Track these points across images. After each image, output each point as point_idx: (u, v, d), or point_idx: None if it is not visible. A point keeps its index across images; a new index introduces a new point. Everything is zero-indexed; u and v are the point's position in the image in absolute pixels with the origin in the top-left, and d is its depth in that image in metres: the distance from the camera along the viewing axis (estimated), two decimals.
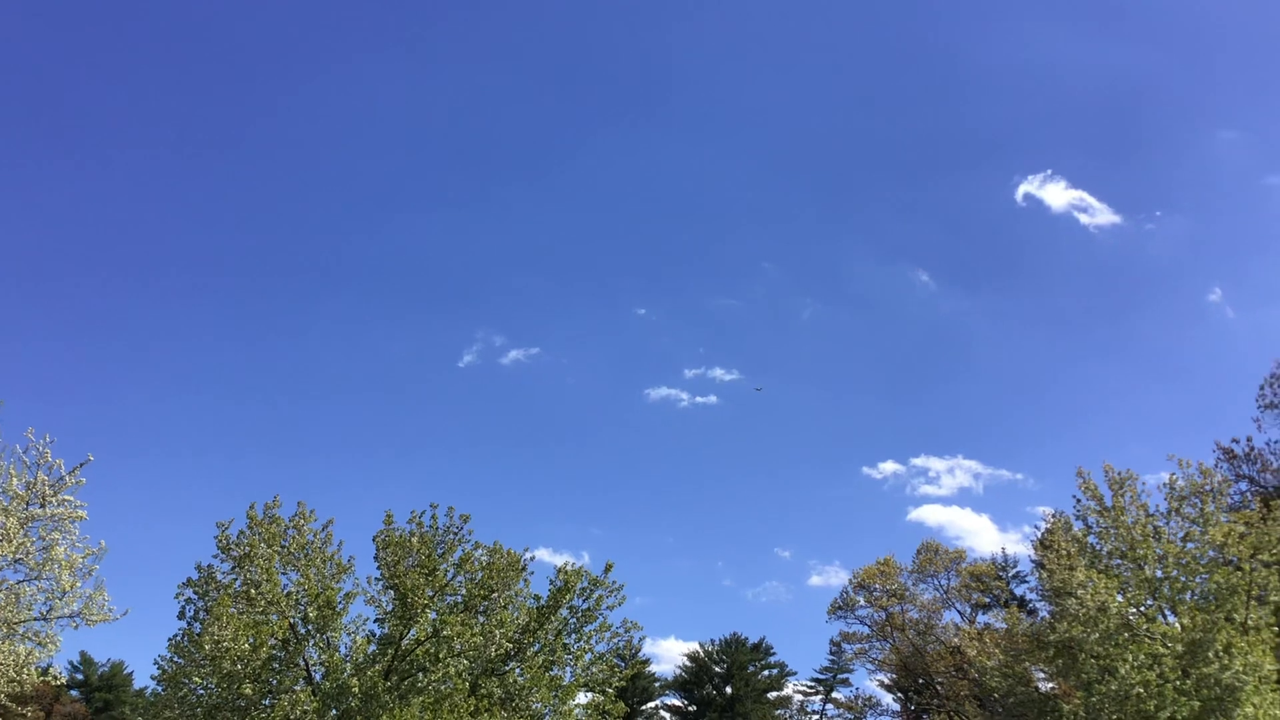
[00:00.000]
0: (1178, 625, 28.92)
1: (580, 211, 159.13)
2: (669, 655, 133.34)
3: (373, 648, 27.69)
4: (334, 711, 25.55)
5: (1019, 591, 68.59)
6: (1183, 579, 29.42)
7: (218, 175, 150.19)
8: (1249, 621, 28.44)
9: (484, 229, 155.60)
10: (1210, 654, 26.98)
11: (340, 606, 27.42)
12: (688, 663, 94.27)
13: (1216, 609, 28.34)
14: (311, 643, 27.08)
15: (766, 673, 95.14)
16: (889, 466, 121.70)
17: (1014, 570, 70.56)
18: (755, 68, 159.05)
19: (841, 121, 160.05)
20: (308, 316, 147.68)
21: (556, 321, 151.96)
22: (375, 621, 28.49)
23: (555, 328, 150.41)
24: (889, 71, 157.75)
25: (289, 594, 27.17)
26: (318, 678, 26.69)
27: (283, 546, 28.13)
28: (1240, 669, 26.35)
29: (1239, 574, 28.54)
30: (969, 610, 65.92)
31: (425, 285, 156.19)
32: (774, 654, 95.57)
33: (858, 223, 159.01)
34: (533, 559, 30.40)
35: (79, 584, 26.14)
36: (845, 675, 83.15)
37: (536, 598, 29.40)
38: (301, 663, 26.86)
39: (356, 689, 25.30)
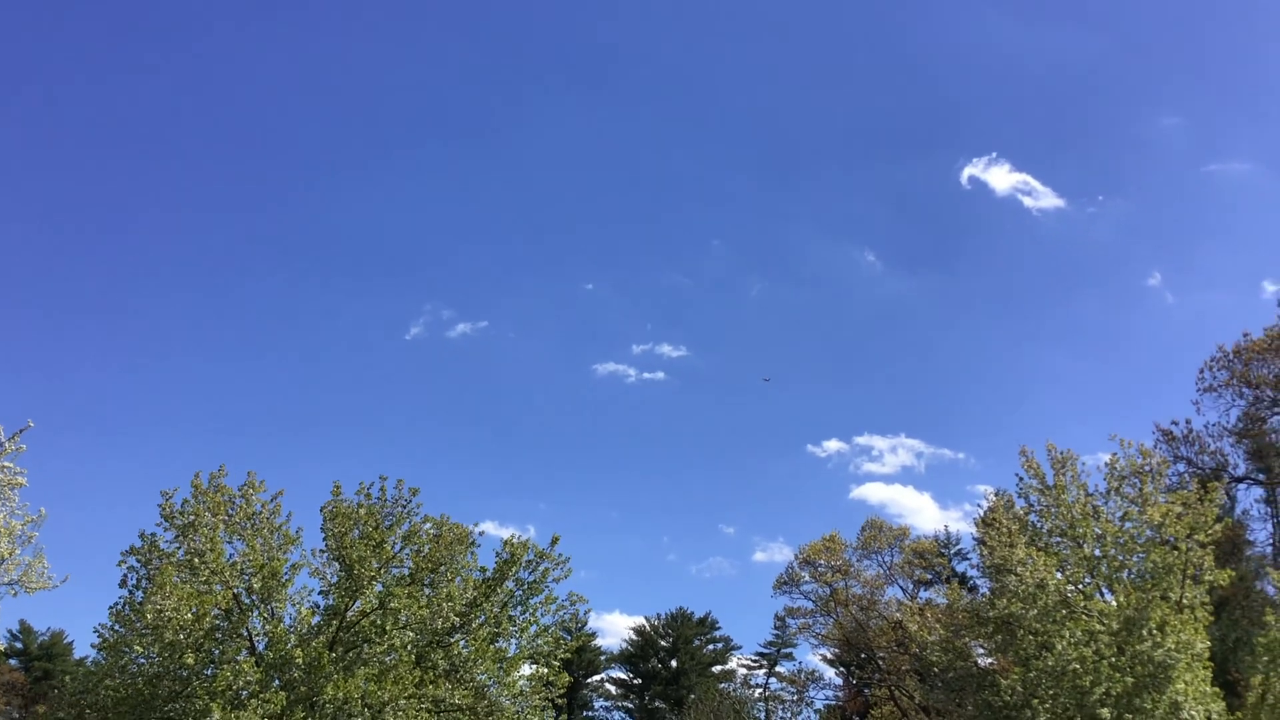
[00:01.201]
0: (1114, 603, 29.44)
1: (530, 185, 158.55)
2: (614, 629, 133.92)
3: (318, 619, 27.59)
4: (277, 682, 25.47)
5: (961, 568, 69.67)
6: (1120, 557, 29.93)
7: (158, 141, 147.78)
8: (1183, 600, 29.01)
9: (434, 202, 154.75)
10: (1145, 632, 27.48)
11: (286, 577, 27.29)
12: (634, 636, 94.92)
13: (1152, 587, 28.88)
14: (256, 613, 26.96)
15: (711, 647, 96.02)
16: (833, 445, 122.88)
17: (956, 547, 71.67)
18: (707, 46, 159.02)
19: (791, 102, 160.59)
20: (253, 286, 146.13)
21: (505, 295, 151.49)
22: (321, 593, 28.42)
23: (503, 301, 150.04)
24: (838, 53, 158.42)
25: (233, 564, 26.98)
26: (261, 648, 26.56)
27: (229, 516, 27.90)
28: (1173, 647, 26.88)
29: (1175, 553, 29.06)
30: (911, 586, 66.78)
31: (373, 257, 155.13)
32: (719, 628, 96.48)
33: (806, 202, 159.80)
34: (481, 533, 30.46)
35: (18, 551, 25.85)
36: (789, 650, 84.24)
37: (483, 570, 29.42)
38: (245, 633, 26.73)
39: (300, 660, 25.22)
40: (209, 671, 25.72)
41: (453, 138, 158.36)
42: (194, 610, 25.45)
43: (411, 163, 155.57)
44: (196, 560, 26.50)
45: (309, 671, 25.15)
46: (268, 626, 26.62)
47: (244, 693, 24.93)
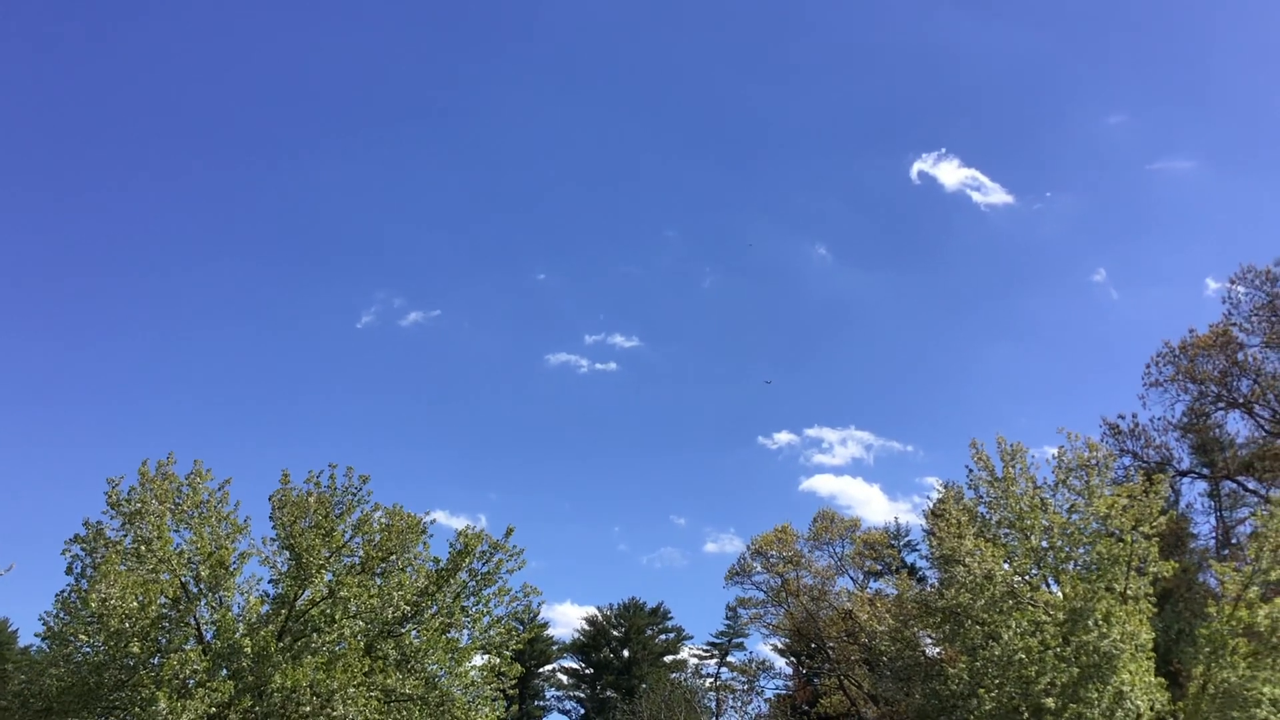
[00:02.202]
0: (1060, 594, 29.83)
1: (484, 174, 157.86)
2: (564, 619, 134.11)
3: (266, 608, 27.40)
4: (224, 671, 25.25)
5: (910, 559, 70.25)
6: (1067, 549, 30.31)
7: (102, 122, 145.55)
8: (1128, 591, 29.42)
9: (386, 189, 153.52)
10: (1090, 622, 27.87)
11: (234, 566, 27.04)
12: (586, 626, 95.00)
13: (1097, 579, 29.27)
14: (203, 602, 26.70)
15: (663, 637, 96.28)
16: (784, 436, 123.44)
17: (906, 539, 72.27)
18: (665, 37, 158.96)
19: (745, 95, 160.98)
20: (200, 271, 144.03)
21: (457, 284, 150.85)
22: (270, 582, 28.20)
23: (456, 290, 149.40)
24: (792, 48, 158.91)
25: (180, 552, 26.71)
26: (209, 637, 26.32)
27: (176, 504, 27.61)
28: (1118, 637, 27.28)
29: (1120, 545, 29.46)
30: (862, 577, 67.28)
31: (323, 244, 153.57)
32: (671, 618, 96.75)
33: (759, 195, 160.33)
34: (433, 521, 30.33)
35: None
36: (740, 640, 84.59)
37: (435, 560, 29.30)
38: (192, 622, 26.48)
39: (249, 649, 25.02)
40: (155, 660, 25.46)
41: (405, 124, 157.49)
42: (140, 599, 25.19)
43: (363, 148, 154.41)
44: (143, 548, 26.21)
45: (257, 660, 24.97)
46: (215, 615, 26.37)
47: (191, 682, 24.69)
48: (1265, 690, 27.20)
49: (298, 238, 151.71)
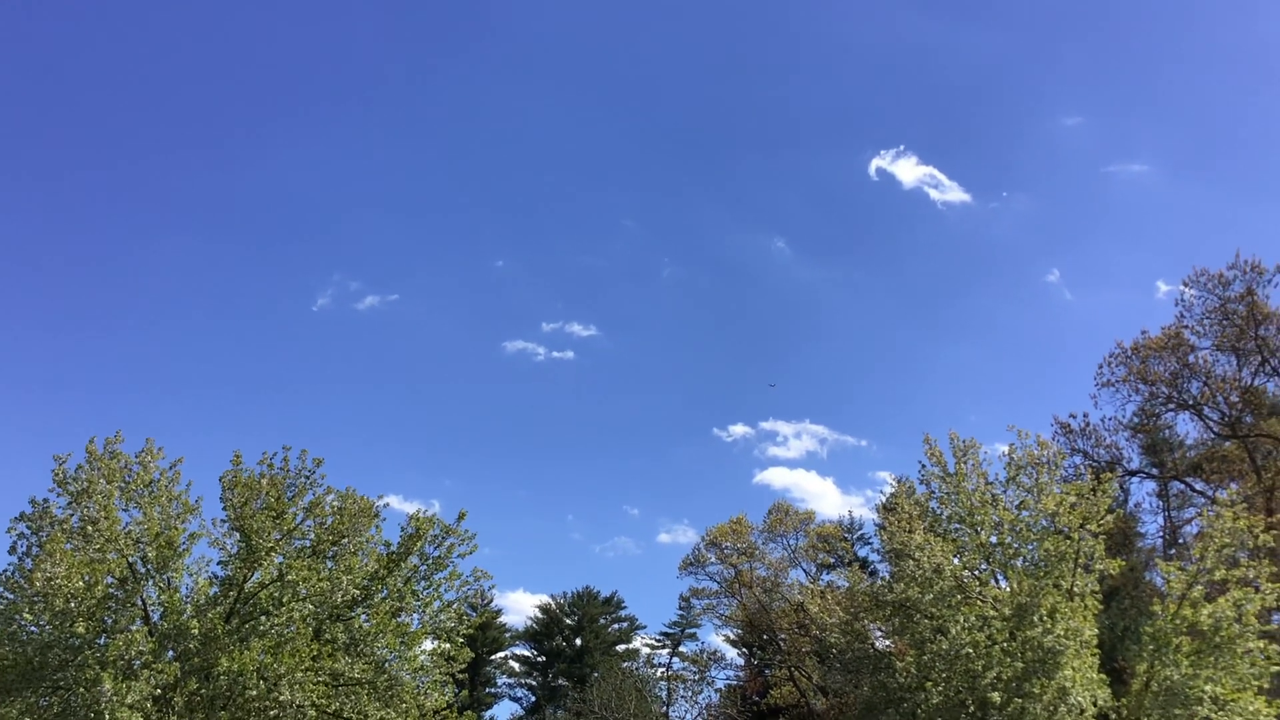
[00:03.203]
0: (1008, 589, 30.13)
1: (443, 159, 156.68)
2: (517, 607, 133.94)
3: (215, 590, 27.18)
4: (171, 653, 25.06)
5: (863, 553, 70.77)
6: (1015, 545, 30.60)
7: (51, 92, 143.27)
8: (1074, 588, 29.76)
9: (344, 171, 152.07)
10: (1036, 618, 28.17)
11: (183, 547, 26.79)
12: (539, 614, 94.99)
13: (1045, 575, 29.57)
14: (151, 583, 26.44)
15: (616, 626, 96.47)
16: (739, 429, 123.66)
17: (859, 532, 72.75)
18: (625, 30, 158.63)
19: (705, 88, 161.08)
20: (152, 248, 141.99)
21: (415, 269, 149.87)
22: (219, 564, 27.95)
23: (413, 275, 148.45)
24: (752, 43, 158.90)
25: (128, 532, 26.45)
26: (156, 618, 26.10)
27: (125, 483, 27.32)
28: (1062, 633, 27.58)
29: (1068, 542, 29.76)
30: (815, 570, 67.81)
31: (278, 225, 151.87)
32: (624, 608, 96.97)
33: (719, 188, 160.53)
34: (386, 506, 30.20)
35: None
36: (693, 630, 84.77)
37: (387, 544, 29.18)
38: (139, 602, 26.22)
39: (196, 630, 24.84)
40: (101, 641, 25.21)
41: (365, 107, 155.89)
42: (86, 578, 24.94)
43: (321, 129, 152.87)
44: (90, 528, 25.91)
45: (204, 642, 24.79)
46: (163, 596, 26.12)
47: (136, 663, 24.47)
48: (1207, 688, 27.62)
49: (252, 218, 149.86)
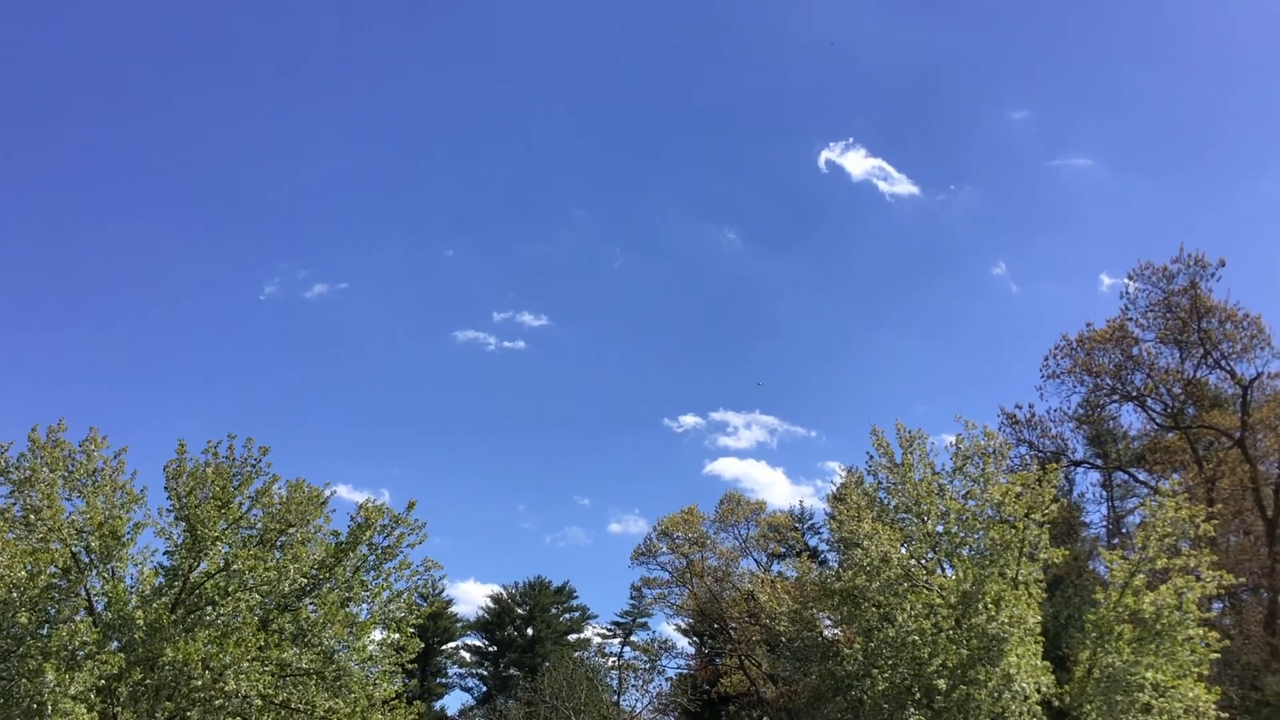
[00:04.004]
0: (954, 577, 30.46)
1: (391, 146, 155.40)
2: (467, 597, 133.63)
3: (160, 580, 26.91)
4: (115, 643, 24.80)
5: (813, 543, 71.23)
6: (962, 534, 30.95)
7: None
8: (1019, 577, 30.14)
9: (292, 158, 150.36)
10: (980, 606, 28.53)
11: (127, 536, 26.50)
12: (490, 604, 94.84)
13: (990, 564, 29.92)
14: (95, 572, 26.14)
15: (568, 616, 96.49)
16: (689, 419, 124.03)
17: (809, 522, 73.23)
18: (577, 19, 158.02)
19: (656, 79, 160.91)
20: (94, 234, 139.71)
21: (364, 258, 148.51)
22: (164, 553, 27.67)
23: (363, 264, 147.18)
24: (702, 32, 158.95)
25: (71, 521, 26.12)
26: (100, 608, 25.81)
27: (69, 472, 26.98)
28: (1007, 621, 27.95)
29: (1013, 532, 30.13)
30: (765, 559, 68.20)
31: (223, 211, 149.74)
32: (576, 597, 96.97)
33: (669, 178, 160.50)
34: (334, 494, 30.01)
35: None
36: (644, 619, 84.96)
37: (335, 534, 29.00)
38: (83, 592, 25.90)
39: (141, 621, 24.59)
40: (44, 631, 24.87)
41: (315, 93, 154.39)
42: (29, 568, 24.61)
43: (269, 114, 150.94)
44: (33, 517, 25.57)
45: (149, 633, 24.54)
46: (107, 586, 25.85)
47: (80, 653, 24.18)
48: (1148, 675, 28.11)
49: (198, 205, 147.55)
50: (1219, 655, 30.34)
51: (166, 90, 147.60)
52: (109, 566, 26.23)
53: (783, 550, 67.71)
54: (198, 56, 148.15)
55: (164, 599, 25.89)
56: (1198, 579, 29.73)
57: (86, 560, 26.12)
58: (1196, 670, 29.06)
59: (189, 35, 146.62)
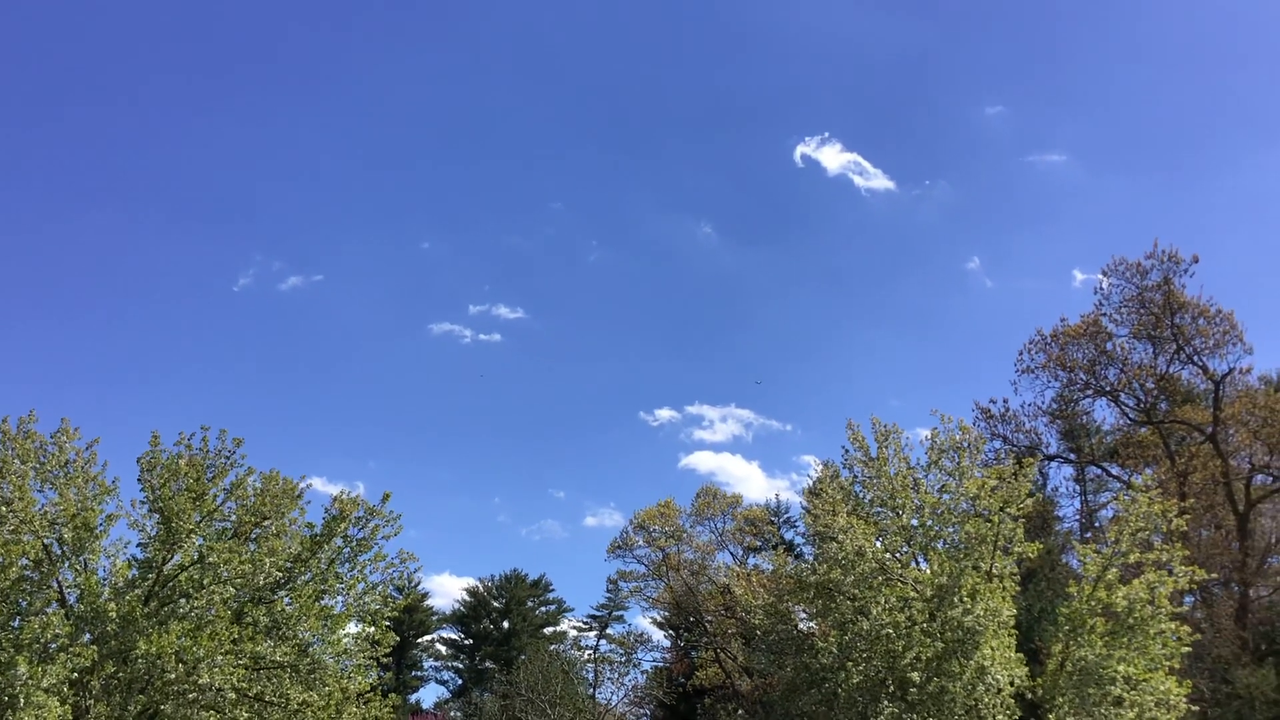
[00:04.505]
0: (928, 571, 30.59)
1: (368, 138, 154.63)
2: (443, 590, 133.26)
3: (134, 572, 26.76)
4: (88, 636, 24.65)
5: (789, 536, 71.36)
6: (936, 528, 31.07)
7: None
8: (993, 570, 30.27)
9: (267, 149, 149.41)
10: (955, 599, 28.65)
11: (100, 528, 26.34)
12: (466, 597, 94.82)
13: (965, 557, 30.04)
14: (67, 564, 25.97)
15: (544, 608, 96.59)
16: (665, 413, 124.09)
17: (785, 515, 73.38)
18: (554, 11, 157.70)
19: (633, 73, 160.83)
20: (65, 225, 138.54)
21: (340, 250, 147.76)
22: (138, 546, 27.52)
23: (339, 256, 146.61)
24: (679, 26, 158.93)
25: (43, 513, 25.92)
26: (72, 601, 25.65)
27: (40, 463, 26.78)
28: (981, 614, 28.06)
29: (988, 525, 30.24)
30: (741, 552, 68.34)
31: (197, 202, 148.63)
32: (552, 590, 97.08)
33: (646, 172, 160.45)
34: (309, 487, 29.93)
35: None
36: (620, 612, 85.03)
37: (310, 526, 28.92)
38: (55, 585, 25.74)
39: (113, 613, 24.48)
40: (15, 623, 24.73)
41: (290, 84, 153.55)
42: (0, 560, 24.46)
43: (243, 104, 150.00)
44: (4, 508, 25.35)
45: (122, 626, 24.43)
46: (79, 578, 25.70)
47: (52, 646, 24.06)
48: (1120, 668, 28.29)
49: (172, 196, 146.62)
50: (1190, 649, 30.54)
51: (139, 81, 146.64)
52: (81, 559, 26.09)
53: (758, 544, 67.88)
54: (172, 48, 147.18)
55: (137, 591, 25.77)
56: (1170, 573, 29.93)
57: (59, 552, 25.95)
58: (1168, 663, 29.25)
59: (164, 27, 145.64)
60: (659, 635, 77.03)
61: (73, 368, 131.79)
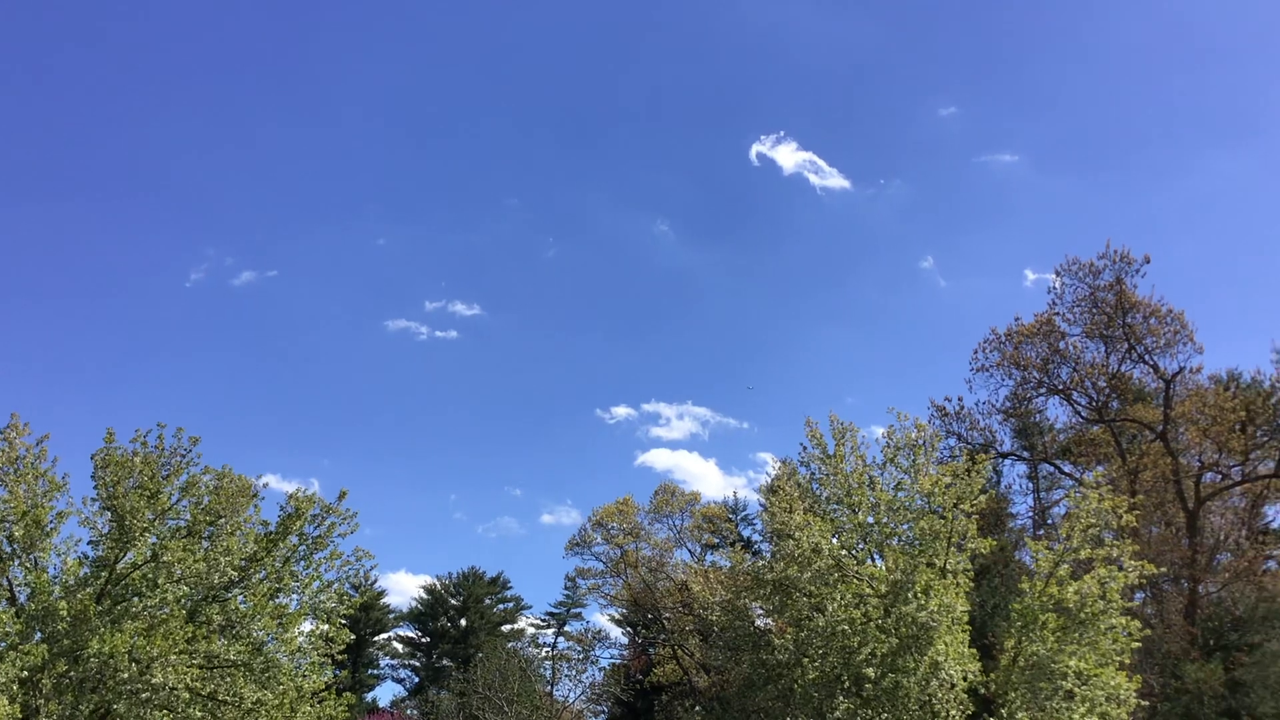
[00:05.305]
0: (883, 567, 30.81)
1: (322, 133, 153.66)
2: (399, 588, 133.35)
3: (85, 570, 26.49)
4: (39, 634, 24.38)
5: (746, 533, 71.63)
6: (892, 525, 31.30)
7: None
8: (947, 566, 30.52)
9: (220, 143, 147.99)
10: (910, 595, 28.88)
11: (51, 526, 26.05)
12: (424, 595, 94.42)
13: (919, 554, 30.29)
14: (17, 562, 25.67)
15: (502, 606, 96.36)
16: (621, 410, 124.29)
17: (743, 513, 73.60)
18: (510, 8, 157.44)
19: (590, 69, 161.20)
20: (12, 218, 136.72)
21: (294, 245, 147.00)
22: (90, 543, 27.22)
23: (293, 252, 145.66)
24: (636, 24, 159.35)
25: None
26: (22, 599, 25.36)
27: None
28: (935, 610, 28.31)
29: (942, 522, 30.49)
30: (699, 550, 68.49)
31: (147, 195, 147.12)
32: (510, 588, 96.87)
33: (603, 169, 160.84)
34: (265, 485, 29.77)
35: None
36: (578, 610, 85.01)
37: (265, 524, 28.73)
38: (5, 583, 25.47)
39: (65, 612, 24.24)
40: None
41: (242, 77, 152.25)
42: None
43: (196, 97, 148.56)
44: None
45: (74, 624, 24.20)
46: (30, 576, 25.41)
47: (2, 644, 23.80)
48: (1071, 663, 28.59)
49: (122, 188, 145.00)
50: (1140, 644, 30.90)
51: (88, 74, 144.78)
52: (32, 556, 25.81)
53: (716, 541, 68.05)
54: (121, 35, 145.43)
55: (89, 590, 25.50)
56: (1120, 569, 30.30)
57: (9, 550, 25.66)
58: (1119, 658, 29.60)
59: (118, 20, 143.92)
60: (617, 632, 77.11)
61: (22, 363, 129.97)
